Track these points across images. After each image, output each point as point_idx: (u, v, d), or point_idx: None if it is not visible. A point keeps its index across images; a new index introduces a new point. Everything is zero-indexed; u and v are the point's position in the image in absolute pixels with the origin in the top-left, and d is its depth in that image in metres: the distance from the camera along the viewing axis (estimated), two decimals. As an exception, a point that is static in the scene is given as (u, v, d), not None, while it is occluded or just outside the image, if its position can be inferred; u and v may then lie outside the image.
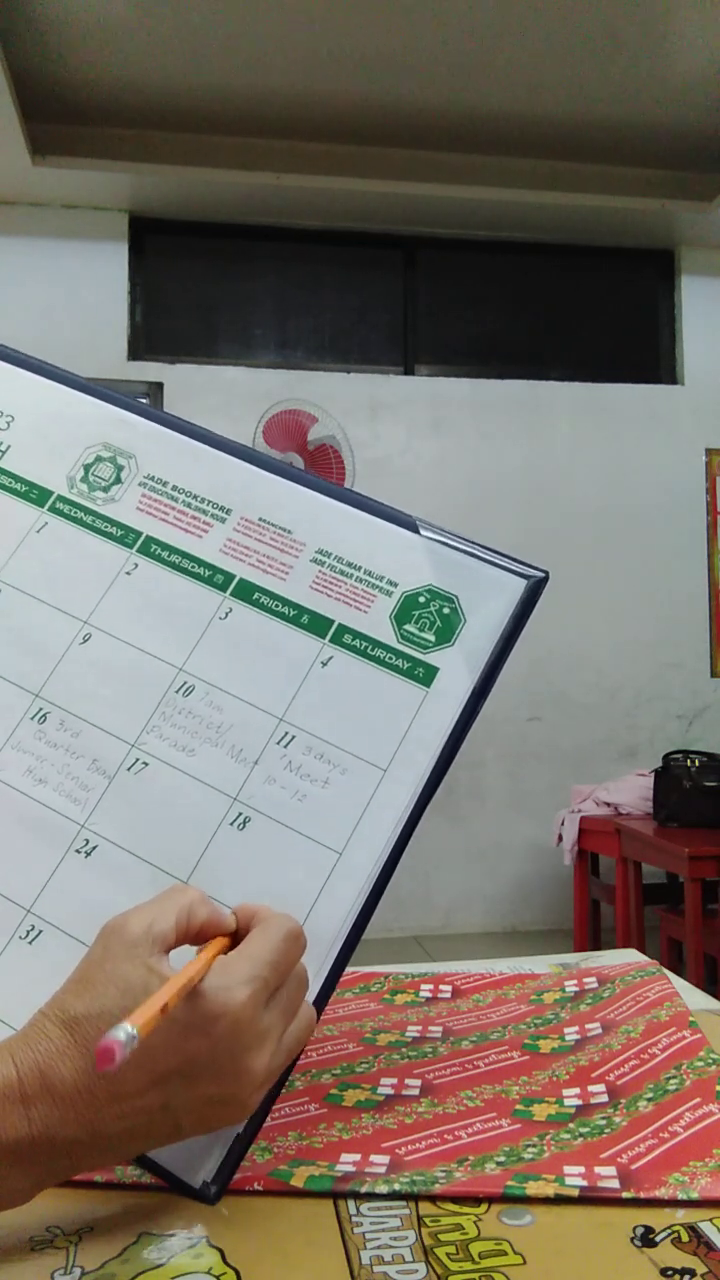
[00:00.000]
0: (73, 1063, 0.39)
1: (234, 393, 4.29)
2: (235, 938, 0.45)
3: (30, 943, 0.50)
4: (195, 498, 0.60)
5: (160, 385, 4.29)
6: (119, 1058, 0.35)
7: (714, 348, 4.66)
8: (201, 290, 4.47)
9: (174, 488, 0.60)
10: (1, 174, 3.98)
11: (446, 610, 0.56)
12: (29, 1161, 0.39)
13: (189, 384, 4.29)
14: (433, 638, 0.55)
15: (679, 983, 0.74)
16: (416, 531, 0.58)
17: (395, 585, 0.57)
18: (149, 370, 4.30)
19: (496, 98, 3.78)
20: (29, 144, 3.78)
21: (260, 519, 0.59)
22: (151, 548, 0.59)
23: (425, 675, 0.54)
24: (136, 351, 4.35)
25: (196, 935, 0.44)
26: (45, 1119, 0.39)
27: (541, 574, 0.56)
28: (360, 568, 0.57)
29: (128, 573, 0.58)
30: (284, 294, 4.52)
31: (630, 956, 0.83)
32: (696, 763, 3.22)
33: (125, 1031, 0.35)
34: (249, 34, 3.42)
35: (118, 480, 0.61)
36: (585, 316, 4.69)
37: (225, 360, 4.41)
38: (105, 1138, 0.40)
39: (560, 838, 3.72)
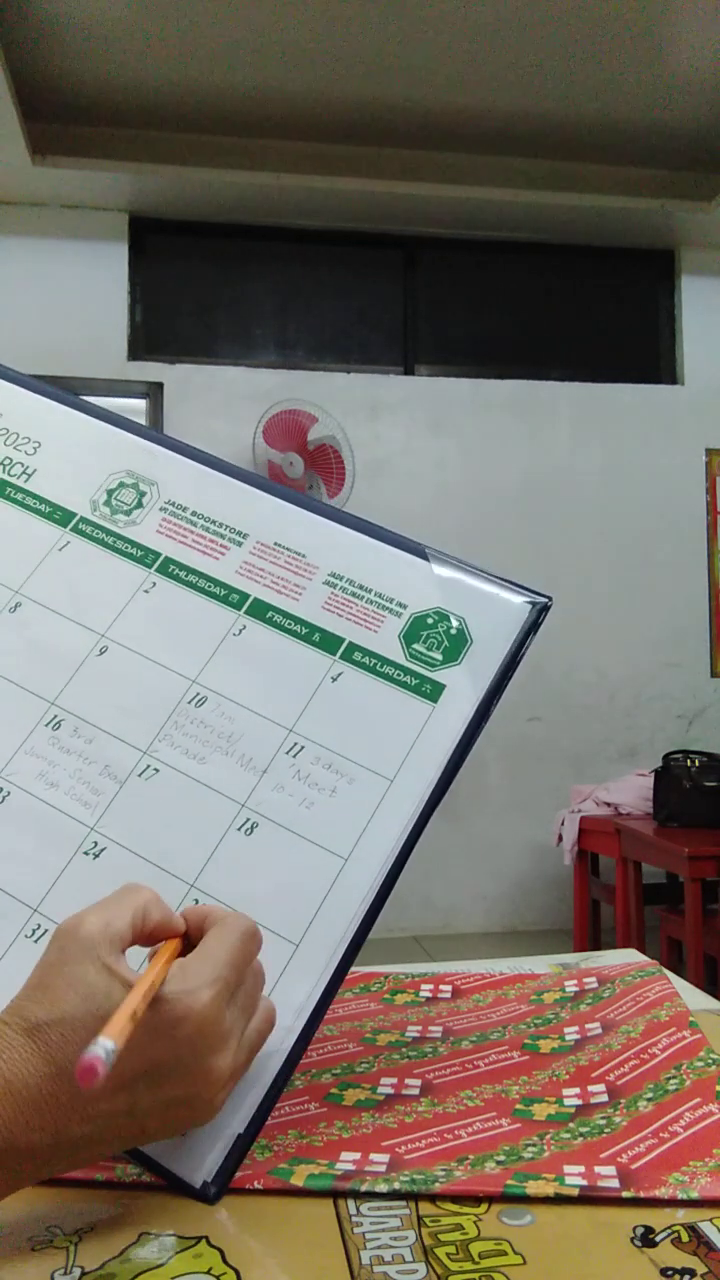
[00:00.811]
0: (37, 1069, 0.39)
1: (234, 393, 4.29)
2: (185, 940, 0.46)
3: (36, 941, 0.51)
4: (214, 523, 0.62)
5: (160, 385, 4.29)
6: (101, 1073, 0.35)
7: (714, 348, 4.66)
8: (201, 290, 4.47)
9: (194, 513, 0.63)
10: (1, 174, 3.98)
11: (454, 631, 0.58)
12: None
13: (189, 384, 4.29)
14: (440, 657, 0.57)
15: (679, 983, 0.74)
16: (425, 559, 0.60)
17: (405, 607, 0.59)
18: (149, 370, 4.30)
19: (496, 98, 3.78)
20: (29, 144, 3.78)
21: (276, 543, 0.61)
22: (170, 567, 0.61)
23: (432, 691, 0.56)
24: (136, 351, 4.35)
25: (150, 936, 0.45)
26: (9, 1126, 0.38)
27: (545, 599, 0.58)
28: (371, 590, 0.59)
29: (146, 590, 0.60)
30: (284, 294, 4.52)
31: (630, 956, 0.83)
32: (696, 763, 3.22)
33: (104, 1048, 0.36)
34: (249, 34, 3.42)
35: (139, 505, 0.63)
36: (585, 316, 4.69)
37: (225, 360, 4.41)
38: (70, 1142, 0.40)
39: (560, 838, 3.72)
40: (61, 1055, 0.39)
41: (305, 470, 4.15)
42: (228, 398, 4.28)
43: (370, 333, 4.57)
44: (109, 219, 4.31)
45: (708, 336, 4.66)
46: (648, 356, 4.72)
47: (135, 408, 4.28)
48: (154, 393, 4.30)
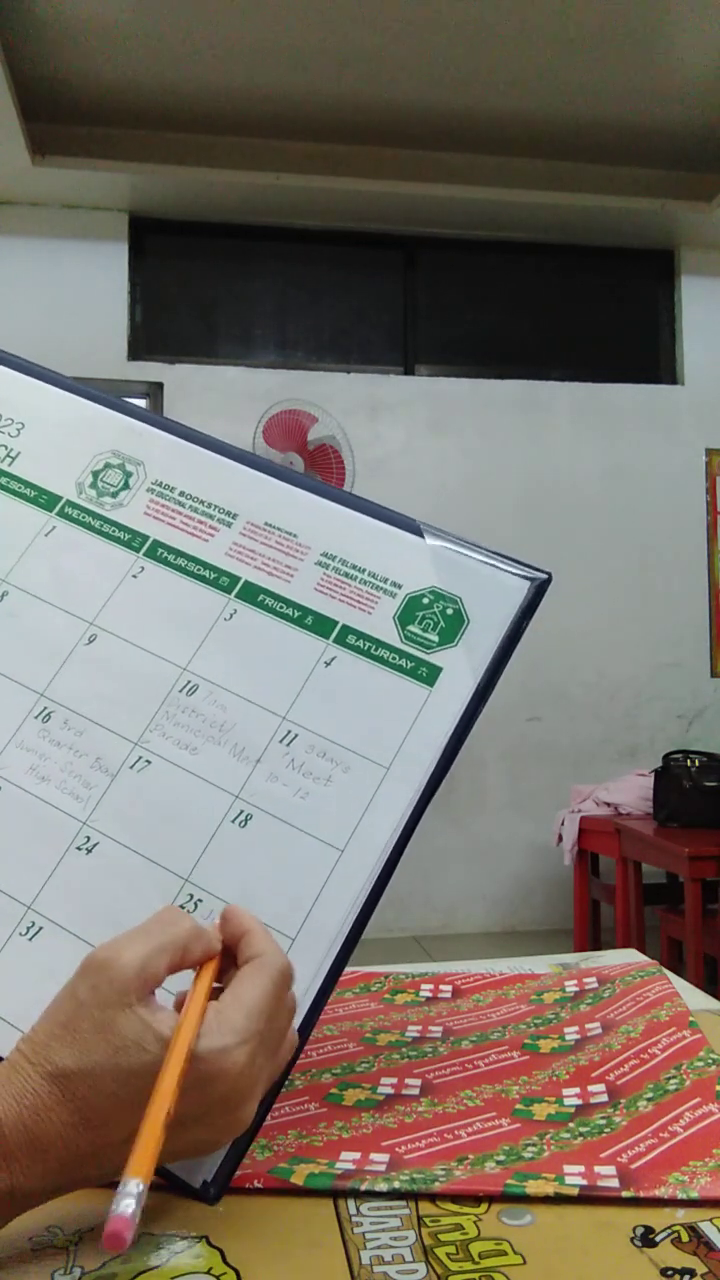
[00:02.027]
0: (60, 1118, 0.38)
1: (234, 393, 4.29)
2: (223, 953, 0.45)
3: (30, 939, 0.50)
4: (202, 503, 0.61)
5: (160, 385, 4.28)
6: (132, 1233, 0.33)
7: (714, 348, 4.66)
8: (201, 290, 4.47)
9: (181, 493, 0.61)
10: (1, 174, 3.98)
11: (450, 611, 0.56)
12: (4, 1207, 0.39)
13: (189, 384, 4.29)
14: (436, 638, 0.56)
15: (679, 983, 0.74)
16: (420, 535, 0.58)
17: (399, 587, 0.57)
18: (149, 370, 4.30)
19: (496, 98, 3.78)
20: (29, 144, 3.78)
21: (266, 523, 0.60)
22: (158, 551, 0.60)
23: (428, 675, 0.55)
24: (136, 351, 4.35)
25: (187, 967, 0.43)
26: (27, 1173, 0.38)
27: (545, 576, 0.57)
28: (364, 570, 0.58)
29: (134, 575, 0.59)
30: (284, 294, 4.52)
31: (630, 956, 0.83)
32: (696, 763, 3.22)
33: (133, 1195, 0.34)
34: (249, 34, 3.41)
35: (126, 486, 0.62)
36: (585, 316, 4.69)
37: (225, 360, 4.41)
38: (84, 1182, 0.40)
39: (560, 838, 3.71)
40: (88, 1106, 0.38)
41: (305, 470, 4.15)
42: (228, 398, 4.28)
43: (370, 332, 4.57)
44: (109, 219, 4.31)
45: (708, 336, 4.66)
46: (648, 356, 4.72)
47: (135, 408, 4.28)
48: (154, 393, 4.30)
